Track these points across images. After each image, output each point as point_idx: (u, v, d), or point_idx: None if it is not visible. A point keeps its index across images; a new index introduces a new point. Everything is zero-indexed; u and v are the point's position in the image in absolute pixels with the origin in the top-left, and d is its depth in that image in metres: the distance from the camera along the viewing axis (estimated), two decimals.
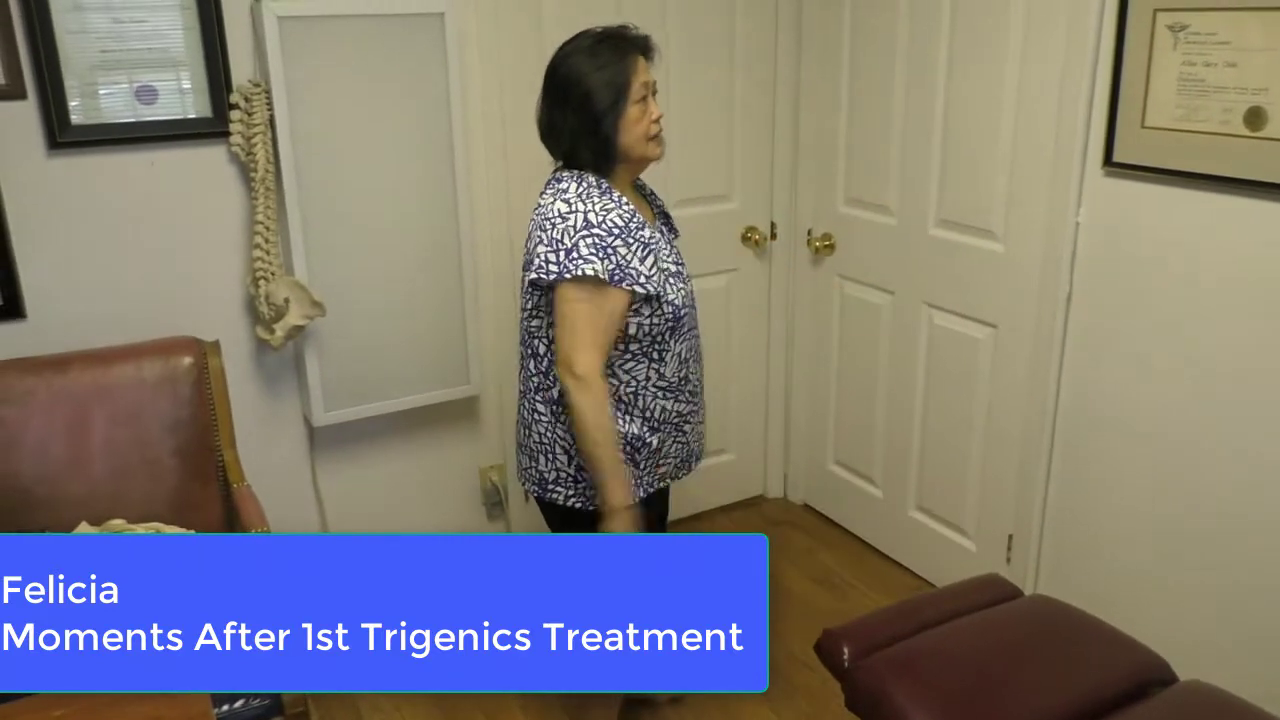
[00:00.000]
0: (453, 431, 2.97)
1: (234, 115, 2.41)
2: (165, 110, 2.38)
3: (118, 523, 2.04)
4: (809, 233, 3.25)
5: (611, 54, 1.88)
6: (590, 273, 1.82)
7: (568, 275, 1.83)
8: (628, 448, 1.98)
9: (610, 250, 1.85)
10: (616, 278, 1.85)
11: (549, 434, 1.99)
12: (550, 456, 2.01)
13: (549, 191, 1.94)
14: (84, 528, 2.03)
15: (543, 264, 1.86)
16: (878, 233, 3.00)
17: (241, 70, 2.43)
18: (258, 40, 2.39)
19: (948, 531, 2.99)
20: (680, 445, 2.09)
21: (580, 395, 1.85)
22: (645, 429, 2.00)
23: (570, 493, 2.01)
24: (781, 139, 3.23)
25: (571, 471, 1.99)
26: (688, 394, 2.07)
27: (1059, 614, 1.93)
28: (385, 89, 2.51)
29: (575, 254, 1.83)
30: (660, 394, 2.00)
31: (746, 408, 3.48)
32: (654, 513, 2.16)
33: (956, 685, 1.73)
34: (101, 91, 2.30)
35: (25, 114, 2.25)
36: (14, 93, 2.22)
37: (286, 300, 2.44)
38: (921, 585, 3.06)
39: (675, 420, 2.05)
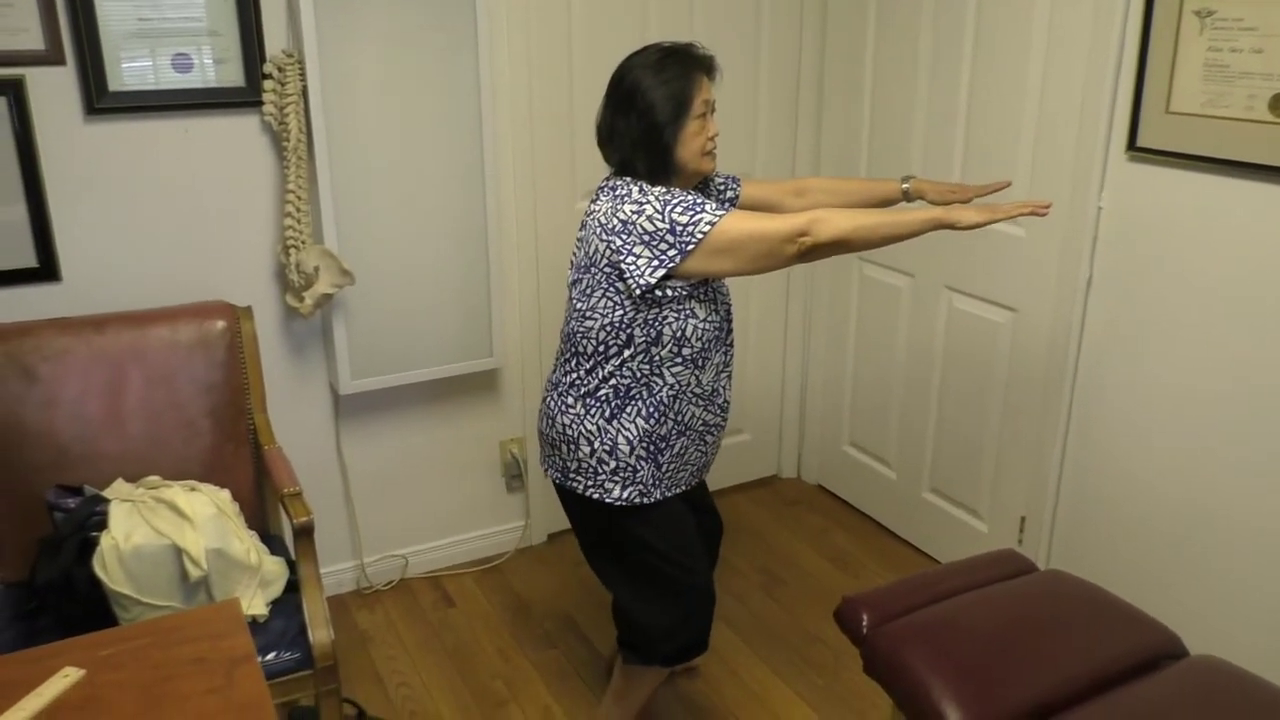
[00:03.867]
0: (474, 404, 3.01)
1: (267, 85, 2.44)
2: (199, 79, 2.41)
3: (153, 479, 2.09)
4: None
5: (677, 69, 1.92)
6: (712, 219, 1.84)
7: (691, 246, 1.84)
8: (652, 448, 2.03)
9: (703, 204, 1.88)
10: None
11: (575, 427, 2.04)
12: (573, 447, 2.05)
13: (605, 198, 1.96)
14: (120, 484, 2.07)
15: (656, 263, 1.86)
16: None
17: (275, 41, 2.46)
18: (292, 11, 2.43)
19: (960, 513, 3.02)
20: (700, 454, 2.16)
21: (828, 228, 1.83)
22: (674, 431, 2.05)
23: (589, 483, 2.06)
24: (805, 122, 3.25)
25: (592, 464, 2.04)
26: (718, 406, 2.14)
27: (1073, 588, 1.96)
28: (416, 62, 2.54)
29: (680, 225, 1.85)
30: (694, 400, 2.06)
31: (763, 388, 3.51)
32: (688, 504, 2.22)
33: (972, 653, 1.76)
34: (138, 59, 2.34)
35: (64, 80, 2.28)
36: (53, 59, 2.25)
37: (316, 268, 2.47)
38: (933, 566, 3.09)
39: (701, 429, 2.11)
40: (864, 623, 1.87)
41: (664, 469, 2.06)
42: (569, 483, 2.09)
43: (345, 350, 2.64)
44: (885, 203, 2.27)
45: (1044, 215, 1.86)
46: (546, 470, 2.17)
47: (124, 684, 1.30)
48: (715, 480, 3.48)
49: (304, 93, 2.45)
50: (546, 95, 2.83)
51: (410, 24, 2.51)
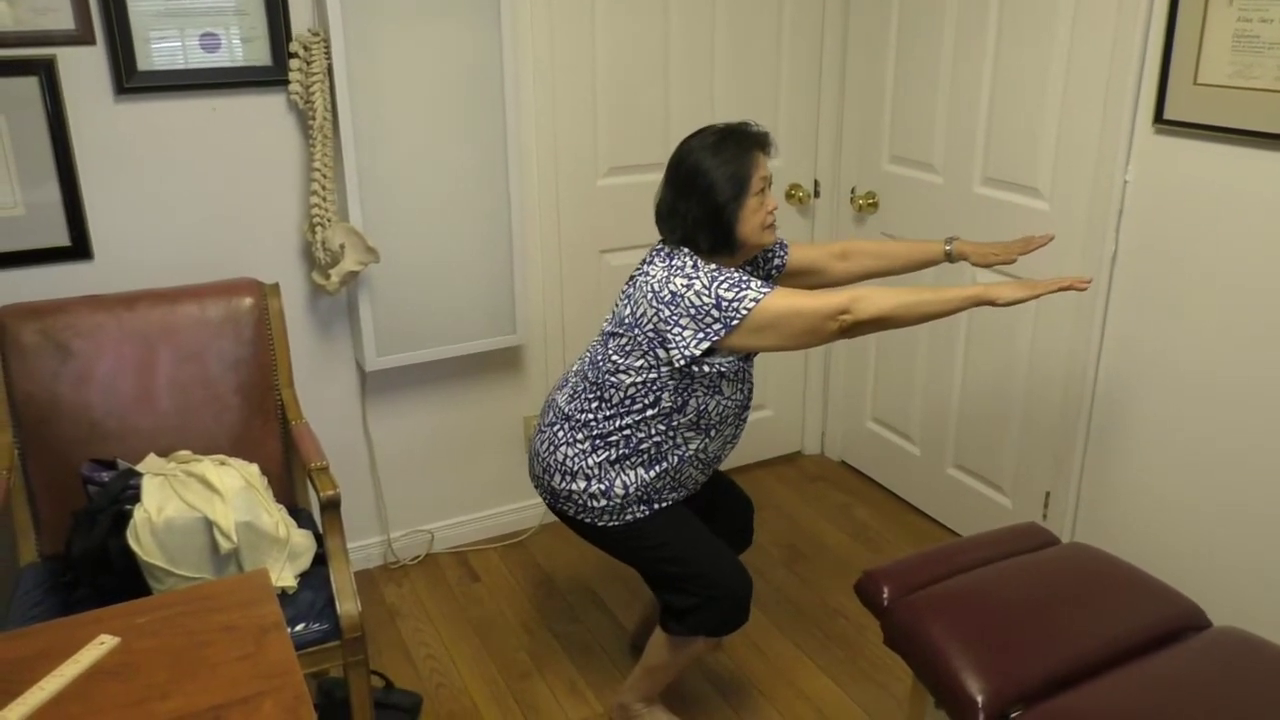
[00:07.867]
0: (498, 380, 3.03)
1: (293, 64, 2.46)
2: (227, 58, 2.44)
3: (184, 453, 2.13)
4: (853, 191, 3.27)
5: (734, 150, 1.96)
6: (756, 296, 1.88)
7: (736, 321, 1.89)
8: (645, 495, 2.09)
9: (749, 281, 1.92)
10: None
11: (577, 461, 2.08)
12: (568, 479, 2.10)
13: (659, 263, 2.00)
14: (152, 459, 2.11)
15: (701, 335, 1.90)
16: (922, 191, 3.01)
17: (301, 20, 2.48)
18: None
19: (985, 489, 3.02)
20: (685, 503, 2.20)
21: (869, 306, 1.87)
22: (669, 486, 2.11)
23: (580, 510, 2.11)
24: (827, 96, 3.23)
25: (584, 499, 2.09)
26: (714, 468, 2.20)
27: (1096, 561, 1.96)
28: (440, 39, 2.55)
29: (725, 301, 1.89)
30: (697, 463, 2.13)
31: (786, 365, 3.51)
32: (708, 492, 2.28)
33: (993, 625, 1.77)
34: (167, 38, 2.36)
35: (94, 59, 2.31)
36: (83, 38, 2.28)
37: (342, 246, 2.50)
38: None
39: (692, 486, 2.18)
40: (884, 595, 1.88)
41: (652, 509, 2.11)
42: (559, 505, 2.15)
43: (370, 327, 2.66)
44: (928, 264, 2.31)
45: (1083, 290, 1.87)
46: (536, 488, 2.22)
47: (158, 650, 1.33)
48: (739, 457, 3.50)
49: (329, 71, 2.46)
50: (570, 71, 2.83)
51: (434, 1, 2.51)
